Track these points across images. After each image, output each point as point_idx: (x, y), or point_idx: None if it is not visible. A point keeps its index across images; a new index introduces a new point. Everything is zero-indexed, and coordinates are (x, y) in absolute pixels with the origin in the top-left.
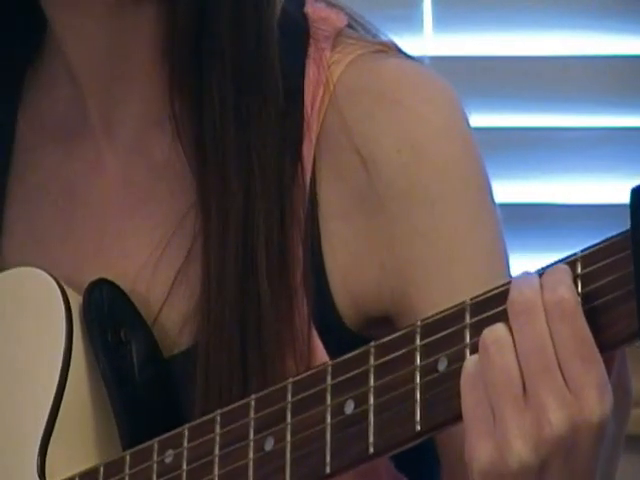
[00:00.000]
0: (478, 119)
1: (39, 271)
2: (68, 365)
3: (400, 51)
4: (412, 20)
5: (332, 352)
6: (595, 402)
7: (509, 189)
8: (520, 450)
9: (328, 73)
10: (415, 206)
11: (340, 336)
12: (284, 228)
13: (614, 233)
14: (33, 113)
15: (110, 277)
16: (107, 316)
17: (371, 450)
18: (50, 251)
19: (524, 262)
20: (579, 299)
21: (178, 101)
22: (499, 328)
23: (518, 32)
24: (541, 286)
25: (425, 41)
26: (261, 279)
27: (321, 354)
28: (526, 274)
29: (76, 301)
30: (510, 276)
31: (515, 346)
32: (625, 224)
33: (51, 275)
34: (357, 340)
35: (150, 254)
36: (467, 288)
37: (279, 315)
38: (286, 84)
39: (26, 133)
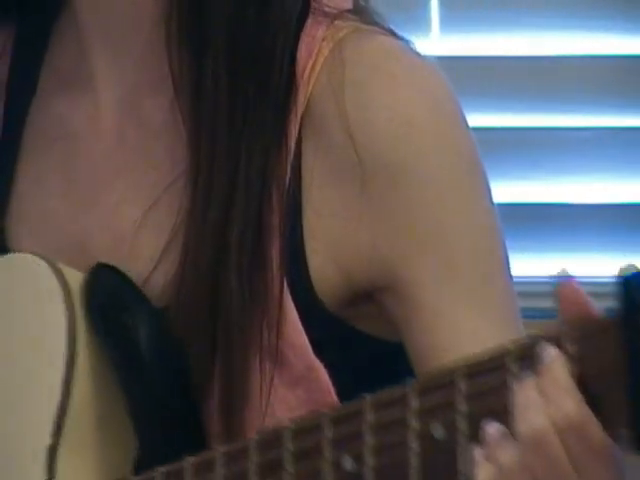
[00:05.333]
0: (485, 119)
1: (31, 257)
2: (73, 362)
3: (399, 38)
4: (419, 21)
5: (308, 330)
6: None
7: (509, 189)
8: None
9: (322, 44)
10: (407, 179)
11: (316, 314)
12: (262, 202)
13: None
14: (52, 64)
15: (101, 229)
16: (114, 300)
17: None
18: (49, 199)
19: (524, 262)
20: (587, 410)
21: (176, 59)
22: (509, 454)
23: (524, 32)
24: (543, 395)
25: (432, 41)
26: (234, 253)
27: (294, 323)
28: (528, 397)
29: (76, 287)
30: (506, 256)
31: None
32: (624, 225)
33: (47, 260)
34: (332, 320)
35: (140, 212)
36: (461, 259)
37: (251, 285)
38: (280, 55)
39: (44, 81)
